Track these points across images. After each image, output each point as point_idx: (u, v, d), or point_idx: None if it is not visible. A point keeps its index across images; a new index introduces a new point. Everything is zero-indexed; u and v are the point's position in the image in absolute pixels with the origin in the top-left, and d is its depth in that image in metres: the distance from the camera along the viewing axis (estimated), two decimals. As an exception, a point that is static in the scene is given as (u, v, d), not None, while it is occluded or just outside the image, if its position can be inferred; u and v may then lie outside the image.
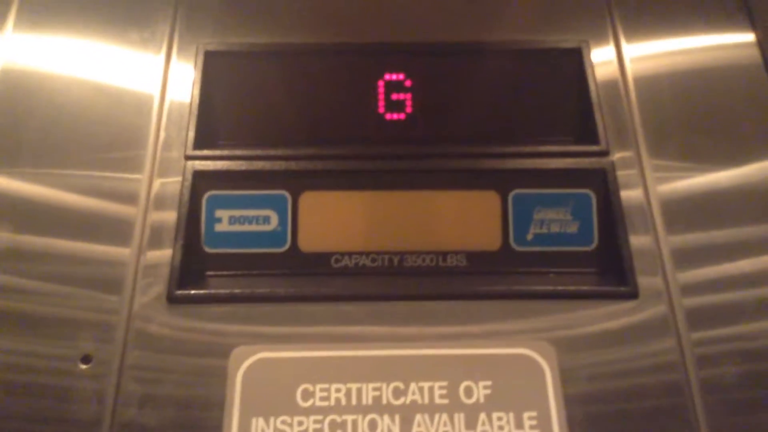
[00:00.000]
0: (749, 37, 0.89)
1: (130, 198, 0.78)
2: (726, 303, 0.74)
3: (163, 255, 0.75)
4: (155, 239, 0.76)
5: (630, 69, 0.87)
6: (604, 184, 0.80)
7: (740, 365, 0.71)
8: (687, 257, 0.76)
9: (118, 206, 0.78)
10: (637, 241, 0.77)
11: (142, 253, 0.75)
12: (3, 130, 0.82)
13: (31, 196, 0.78)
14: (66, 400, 0.68)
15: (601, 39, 0.89)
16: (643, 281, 0.75)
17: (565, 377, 0.69)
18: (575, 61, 0.87)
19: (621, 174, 0.81)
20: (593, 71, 0.86)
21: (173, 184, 0.79)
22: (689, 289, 0.74)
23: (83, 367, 0.69)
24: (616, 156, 0.82)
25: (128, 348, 0.70)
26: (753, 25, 0.90)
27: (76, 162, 0.80)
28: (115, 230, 0.76)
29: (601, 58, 0.88)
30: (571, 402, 0.68)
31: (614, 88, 0.86)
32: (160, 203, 0.78)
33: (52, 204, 0.78)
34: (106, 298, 0.73)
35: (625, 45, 0.89)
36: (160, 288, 0.73)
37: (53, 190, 0.78)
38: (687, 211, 0.79)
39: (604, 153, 0.81)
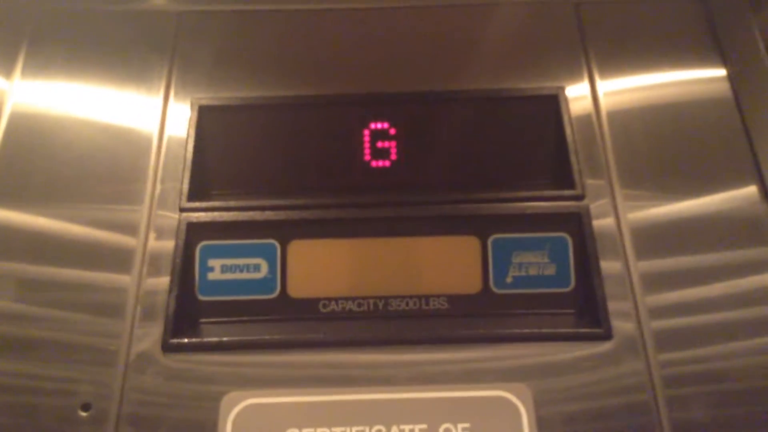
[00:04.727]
0: (721, 72, 0.93)
1: (130, 229, 0.83)
2: (693, 326, 0.77)
3: (162, 282, 0.80)
4: (154, 267, 0.81)
5: (604, 104, 0.91)
6: (579, 227, 0.84)
7: (706, 385, 0.74)
8: (656, 282, 0.80)
9: (119, 236, 0.83)
10: (608, 266, 0.81)
11: (142, 280, 0.80)
12: (12, 167, 0.87)
13: (38, 228, 0.83)
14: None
15: (576, 77, 0.93)
16: (614, 305, 0.79)
17: (537, 401, 0.73)
18: (552, 108, 0.90)
19: (594, 204, 0.84)
20: (569, 117, 0.90)
21: (170, 219, 0.84)
22: (657, 312, 0.78)
23: (83, 414, 0.73)
24: (589, 185, 0.85)
25: (125, 396, 0.74)
26: (724, 60, 0.93)
27: (80, 196, 0.85)
28: (116, 259, 0.81)
29: (577, 94, 0.92)
30: (543, 427, 0.72)
31: (588, 123, 0.90)
32: (158, 234, 0.83)
33: (57, 235, 0.83)
34: (108, 322, 0.78)
35: (599, 81, 0.93)
36: (156, 333, 0.77)
37: (59, 222, 0.83)
38: (656, 238, 0.82)
39: (580, 197, 0.85)
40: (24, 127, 0.90)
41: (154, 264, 0.81)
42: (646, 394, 0.74)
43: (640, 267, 0.80)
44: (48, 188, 0.86)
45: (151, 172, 0.87)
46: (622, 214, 0.84)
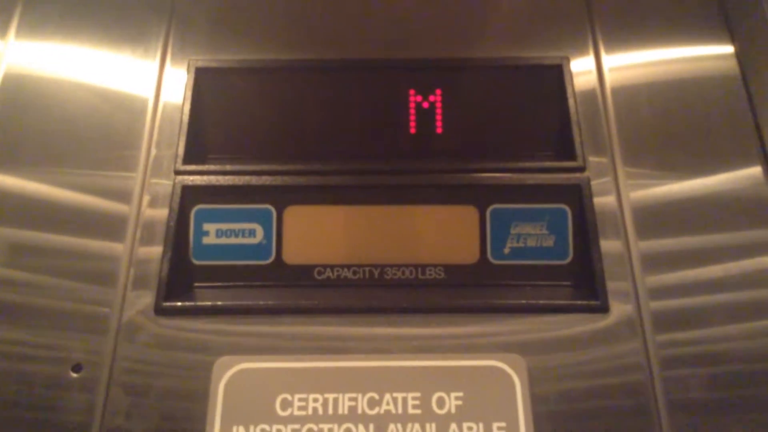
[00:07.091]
0: (728, 49, 0.91)
1: (124, 196, 0.82)
2: (693, 307, 0.77)
3: (155, 251, 0.79)
4: (147, 236, 0.80)
5: (609, 79, 0.89)
6: (579, 199, 0.83)
7: (704, 367, 0.73)
8: (656, 262, 0.79)
9: (112, 203, 0.82)
10: (608, 245, 0.80)
11: (134, 248, 0.79)
12: (4, 130, 0.86)
13: (30, 193, 0.82)
14: (57, 409, 0.72)
15: (581, 50, 0.92)
16: (612, 285, 0.78)
17: (533, 379, 0.72)
18: (555, 78, 0.89)
19: (596, 182, 0.83)
20: (573, 87, 0.88)
21: (165, 185, 0.83)
22: (657, 293, 0.77)
23: (74, 375, 0.72)
24: (591, 162, 0.84)
25: (116, 363, 0.73)
26: (732, 37, 0.92)
27: (74, 161, 0.84)
28: (109, 226, 0.80)
29: (581, 68, 0.90)
30: (537, 403, 0.71)
31: (593, 98, 0.88)
32: (152, 201, 0.82)
33: (50, 201, 0.82)
34: (100, 290, 0.77)
35: (604, 56, 0.91)
36: (148, 299, 0.77)
37: (51, 188, 0.82)
38: (658, 218, 0.81)
39: (581, 169, 0.84)
40: (17, 89, 0.89)
41: (147, 232, 0.80)
42: (643, 374, 0.73)
43: (640, 246, 0.79)
44: (41, 152, 0.85)
45: (146, 137, 0.86)
46: (623, 192, 0.82)
